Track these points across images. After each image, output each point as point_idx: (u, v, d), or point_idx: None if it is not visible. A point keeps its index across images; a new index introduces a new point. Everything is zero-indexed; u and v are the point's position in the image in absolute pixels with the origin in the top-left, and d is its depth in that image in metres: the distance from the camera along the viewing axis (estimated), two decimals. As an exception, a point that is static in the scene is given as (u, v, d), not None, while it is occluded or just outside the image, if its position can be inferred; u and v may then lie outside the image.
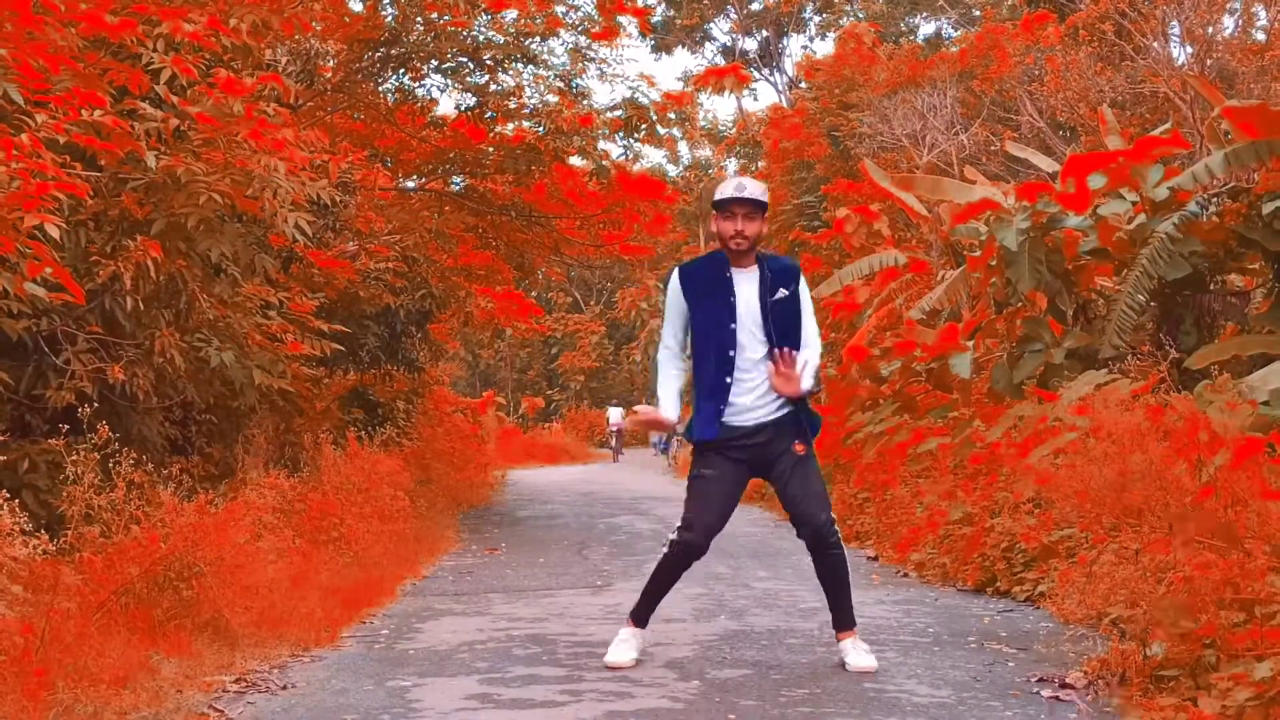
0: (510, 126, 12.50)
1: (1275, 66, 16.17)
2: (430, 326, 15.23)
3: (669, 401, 4.88)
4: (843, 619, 4.95)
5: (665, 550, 4.96)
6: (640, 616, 5.05)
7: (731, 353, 4.79)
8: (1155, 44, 17.26)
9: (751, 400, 4.80)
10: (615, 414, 28.39)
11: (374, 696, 4.47)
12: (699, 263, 4.97)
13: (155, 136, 5.63)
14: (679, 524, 4.90)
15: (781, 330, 4.80)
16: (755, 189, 4.79)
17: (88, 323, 5.96)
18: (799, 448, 4.82)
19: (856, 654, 4.83)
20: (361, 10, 10.97)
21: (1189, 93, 15.01)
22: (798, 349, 4.82)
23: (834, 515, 4.88)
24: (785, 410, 4.82)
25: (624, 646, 4.98)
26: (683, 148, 45.24)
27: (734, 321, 4.78)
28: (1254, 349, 7.89)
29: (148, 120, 5.56)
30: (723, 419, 4.79)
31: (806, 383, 4.78)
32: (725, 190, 4.81)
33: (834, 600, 4.95)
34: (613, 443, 27.16)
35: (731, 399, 4.79)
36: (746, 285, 4.82)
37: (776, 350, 4.75)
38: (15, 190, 4.34)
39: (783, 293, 4.81)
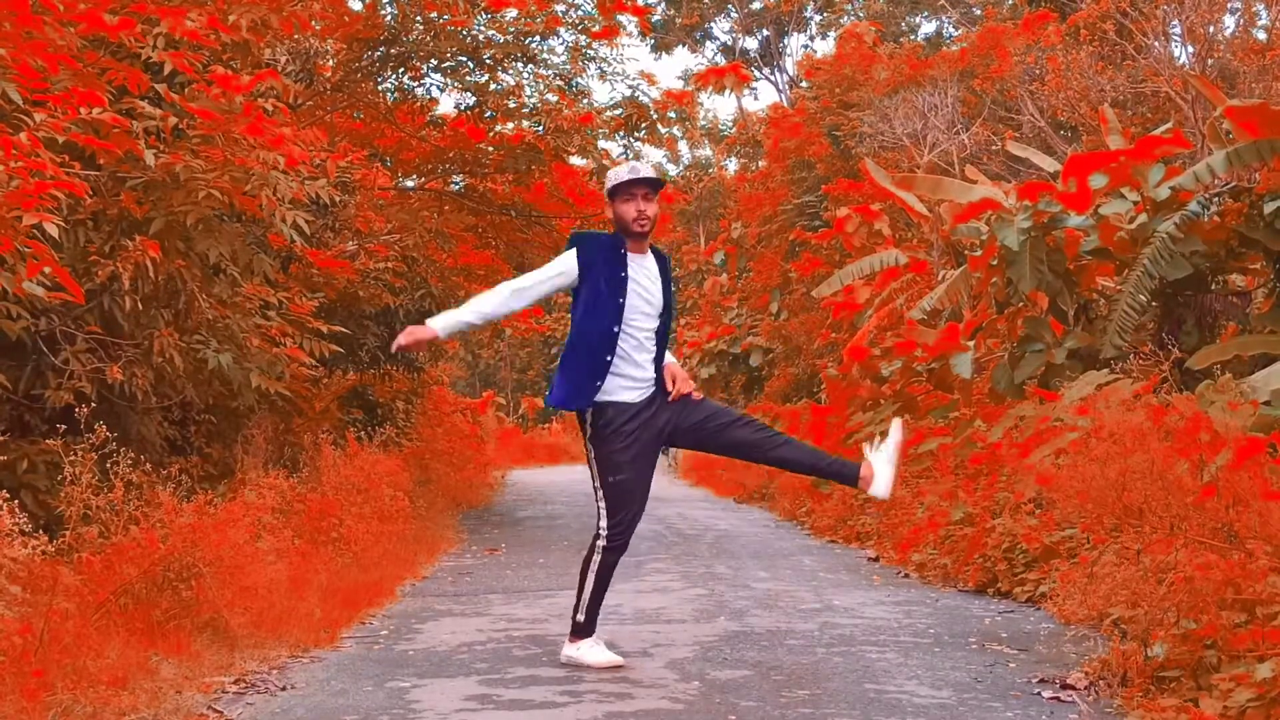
0: (510, 126, 12.48)
1: (1277, 66, 16.15)
2: (430, 326, 15.17)
3: (447, 319, 4.85)
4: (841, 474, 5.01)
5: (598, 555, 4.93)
6: (592, 625, 5.03)
7: (616, 329, 4.79)
8: (1156, 43, 17.25)
9: (633, 381, 4.83)
10: None
11: (373, 697, 4.46)
12: (599, 237, 4.98)
13: (154, 135, 5.62)
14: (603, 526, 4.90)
15: (664, 311, 4.93)
16: (649, 169, 4.85)
17: (86, 323, 5.95)
18: (696, 395, 4.92)
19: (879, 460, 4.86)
20: (361, 9, 10.95)
21: (1190, 92, 14.99)
22: (667, 329, 4.97)
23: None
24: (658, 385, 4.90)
25: (599, 649, 4.97)
26: (683, 147, 45.20)
27: (623, 299, 4.78)
28: (1255, 349, 7.88)
29: (146, 119, 5.55)
30: (597, 396, 4.79)
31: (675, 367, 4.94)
32: (621, 174, 4.83)
33: (813, 458, 5.05)
34: None
35: (610, 376, 4.79)
36: (643, 267, 4.87)
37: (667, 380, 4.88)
38: (14, 189, 4.33)
39: (665, 282, 4.95)
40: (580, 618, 4.97)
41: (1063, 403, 6.89)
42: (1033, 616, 6.08)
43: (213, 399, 7.33)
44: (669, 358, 4.97)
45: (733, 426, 4.94)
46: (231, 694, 4.53)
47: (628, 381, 4.82)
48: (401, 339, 4.81)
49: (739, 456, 5.10)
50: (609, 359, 4.77)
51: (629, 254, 4.85)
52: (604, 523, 4.89)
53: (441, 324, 4.83)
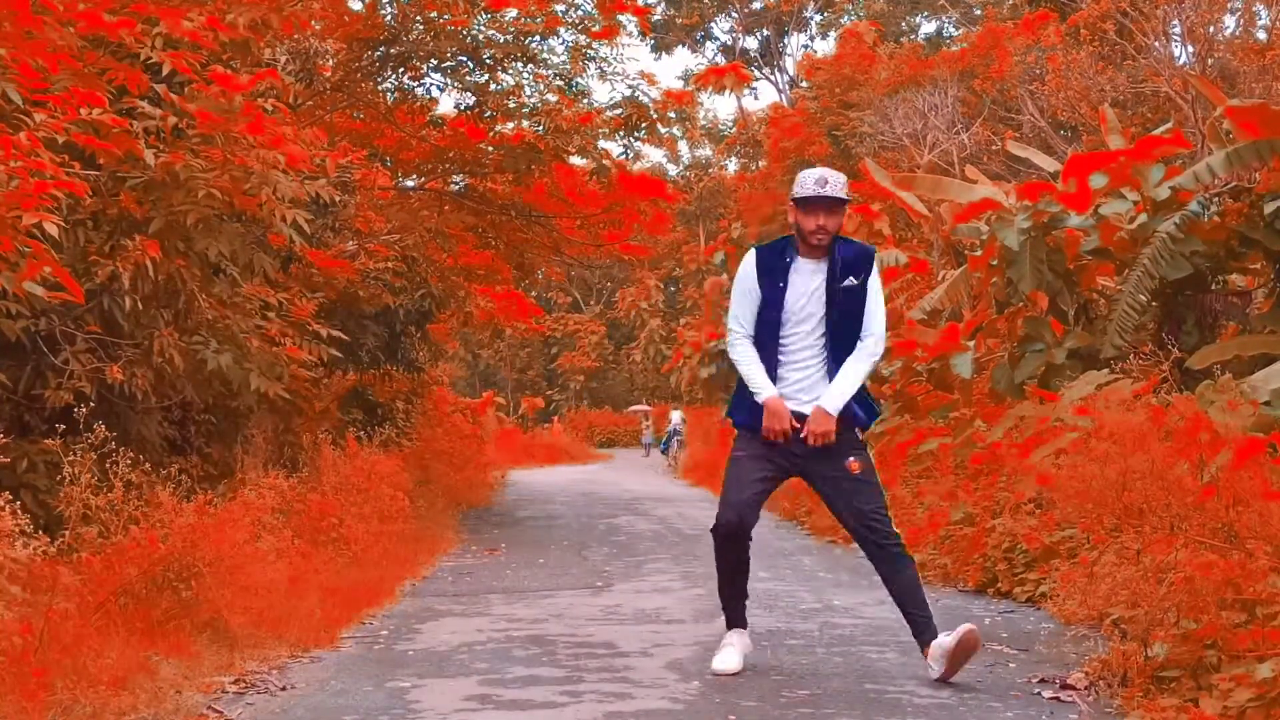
0: (510, 125, 12.47)
1: (1277, 66, 16.15)
2: (430, 326, 15.22)
3: (768, 384, 4.72)
4: (921, 637, 4.69)
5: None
6: (730, 616, 4.95)
7: (781, 338, 4.72)
8: (1157, 43, 17.25)
9: (792, 390, 4.71)
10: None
11: (373, 697, 4.46)
12: (773, 245, 4.89)
13: (154, 135, 5.62)
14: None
15: (841, 321, 4.70)
16: (838, 185, 4.70)
17: (86, 322, 5.94)
18: (854, 467, 4.69)
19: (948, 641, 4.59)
20: (361, 9, 10.95)
21: (1190, 92, 14.99)
22: (852, 344, 4.73)
23: (891, 523, 4.75)
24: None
25: (728, 652, 4.85)
26: (683, 147, 45.25)
27: (783, 309, 4.70)
28: (1255, 349, 7.88)
29: (146, 119, 5.54)
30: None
31: (833, 410, 4.64)
32: (807, 186, 4.70)
33: (904, 612, 4.75)
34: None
35: (778, 383, 4.71)
36: (809, 274, 4.72)
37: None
38: (14, 189, 4.32)
39: (851, 281, 4.71)
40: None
41: (1063, 403, 6.88)
42: (1033, 616, 6.07)
43: (213, 399, 7.32)
44: (830, 392, 4.69)
45: (845, 522, 4.75)
46: (231, 694, 4.53)
47: (791, 389, 4.72)
48: (775, 419, 4.66)
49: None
50: (776, 367, 4.73)
51: (798, 259, 4.73)
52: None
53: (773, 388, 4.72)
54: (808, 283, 4.72)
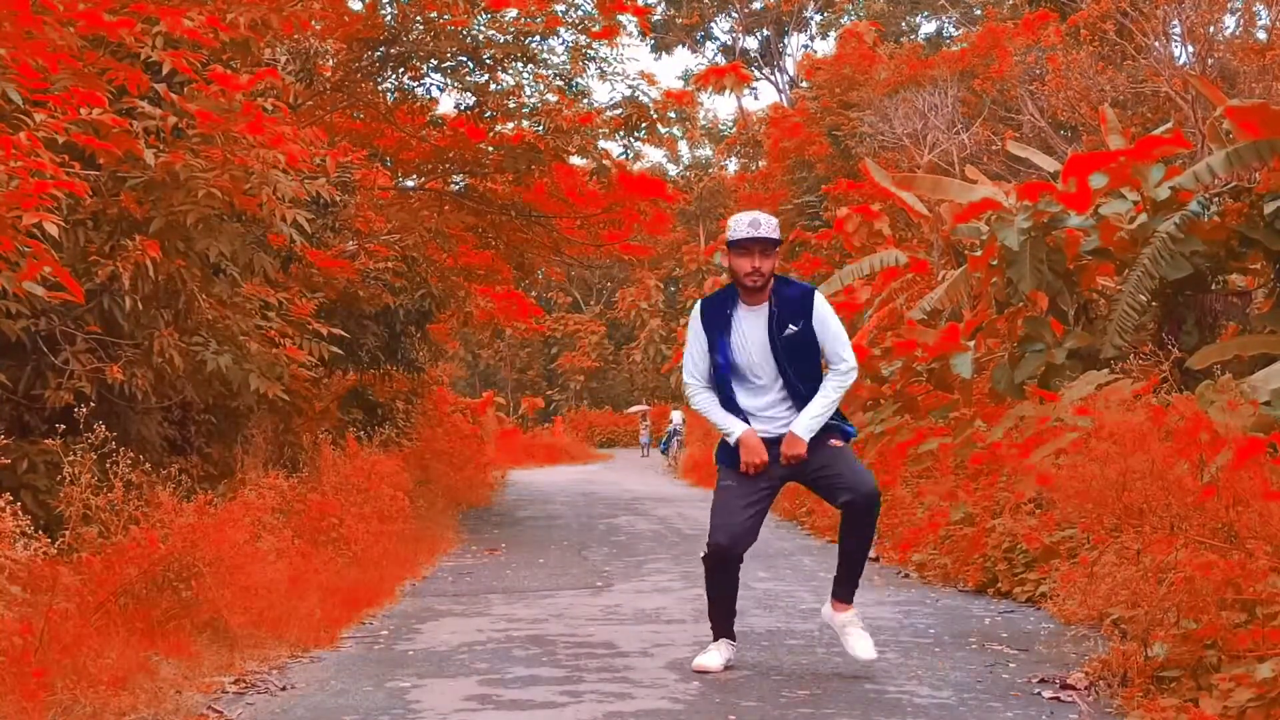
0: (510, 126, 12.48)
1: (1277, 66, 16.15)
2: (430, 326, 15.21)
3: (736, 423, 4.83)
4: (847, 592, 4.93)
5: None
6: (718, 629, 5.00)
7: (737, 385, 4.83)
8: (1157, 43, 17.24)
9: (763, 424, 4.80)
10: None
11: (373, 697, 4.46)
12: (716, 296, 4.97)
13: (154, 134, 5.62)
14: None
15: (791, 362, 4.78)
16: (769, 226, 4.76)
17: (86, 323, 5.94)
18: (835, 441, 4.80)
19: (860, 638, 4.79)
20: (361, 9, 10.95)
21: (1190, 92, 14.99)
22: (812, 379, 4.80)
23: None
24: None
25: (712, 653, 4.93)
26: (683, 147, 45.26)
27: (740, 357, 4.80)
28: (1255, 349, 7.87)
29: (146, 118, 5.54)
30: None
31: (805, 435, 4.73)
32: (739, 229, 4.76)
33: (849, 572, 4.92)
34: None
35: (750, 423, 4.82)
36: (752, 321, 4.80)
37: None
38: (14, 189, 4.32)
39: (791, 329, 4.77)
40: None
41: (1063, 403, 6.88)
42: (1033, 616, 6.07)
43: (213, 399, 7.32)
44: (801, 419, 4.78)
45: (847, 488, 4.76)
46: (231, 694, 4.53)
47: (761, 424, 4.82)
48: (752, 455, 4.76)
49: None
50: (740, 411, 4.84)
51: (741, 307, 4.81)
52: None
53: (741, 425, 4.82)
54: (753, 332, 4.80)
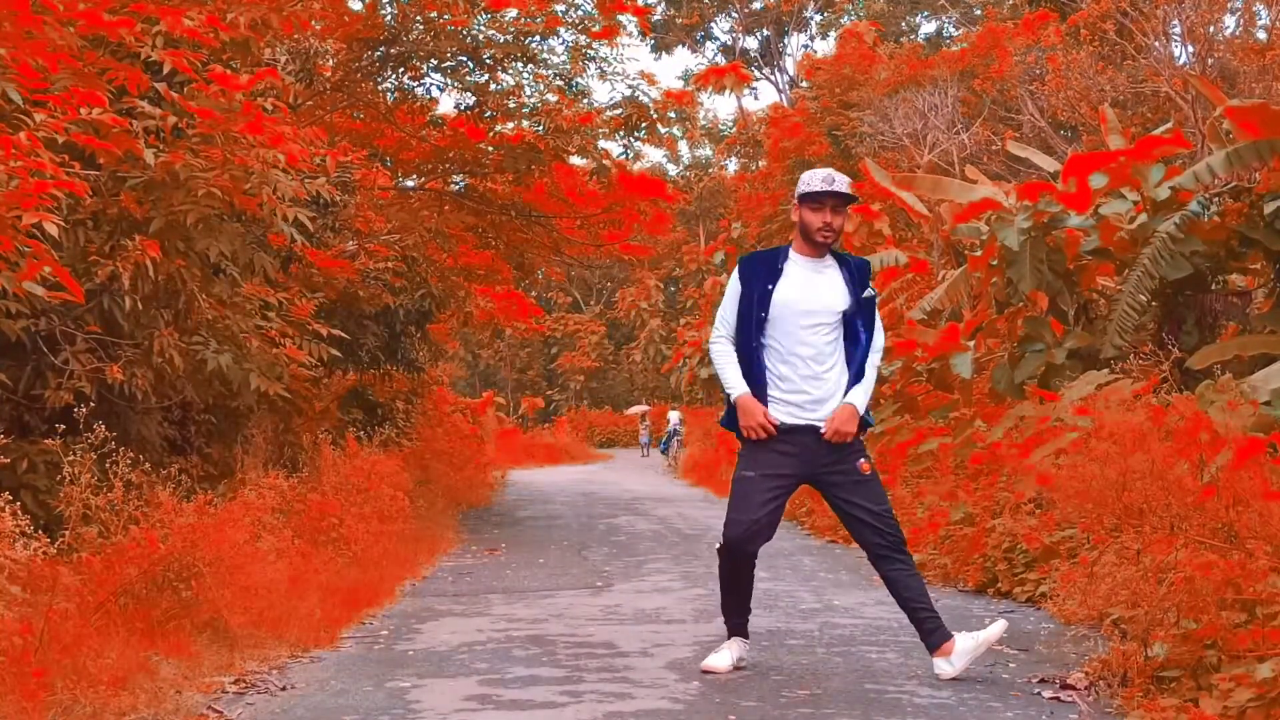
0: (510, 126, 12.48)
1: (1277, 66, 16.15)
2: (430, 326, 15.21)
3: (740, 383, 4.69)
4: (935, 634, 4.64)
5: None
6: (731, 625, 4.92)
7: (771, 348, 4.68)
8: (1157, 43, 17.24)
9: (786, 404, 4.65)
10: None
11: (373, 697, 4.46)
12: (763, 252, 4.91)
13: (154, 134, 5.62)
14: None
15: (857, 325, 4.70)
16: (844, 183, 4.69)
17: (86, 322, 5.94)
18: (865, 468, 4.68)
19: (965, 641, 4.60)
20: (361, 9, 10.95)
21: (1190, 92, 14.99)
22: (858, 350, 4.72)
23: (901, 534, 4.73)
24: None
25: (723, 653, 4.87)
26: (683, 147, 45.28)
27: (770, 308, 4.65)
28: (1255, 349, 7.88)
29: (146, 118, 5.54)
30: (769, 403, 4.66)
31: (864, 403, 4.67)
32: (814, 183, 4.67)
33: (922, 614, 4.67)
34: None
35: (774, 393, 4.66)
36: (816, 278, 4.70)
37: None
38: (14, 189, 4.32)
39: (870, 291, 4.76)
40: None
41: (1063, 403, 6.89)
42: (1033, 616, 6.07)
43: (213, 399, 7.32)
44: (855, 391, 4.69)
45: (858, 523, 4.69)
46: (231, 694, 4.53)
47: (795, 396, 4.66)
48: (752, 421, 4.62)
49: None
50: (775, 373, 4.67)
51: (800, 260, 4.70)
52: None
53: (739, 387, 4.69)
54: (808, 280, 4.69)
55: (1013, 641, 5.37)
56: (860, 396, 4.67)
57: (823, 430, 4.62)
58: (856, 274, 4.77)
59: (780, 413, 4.64)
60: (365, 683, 4.72)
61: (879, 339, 4.82)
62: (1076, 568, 5.79)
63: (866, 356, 4.74)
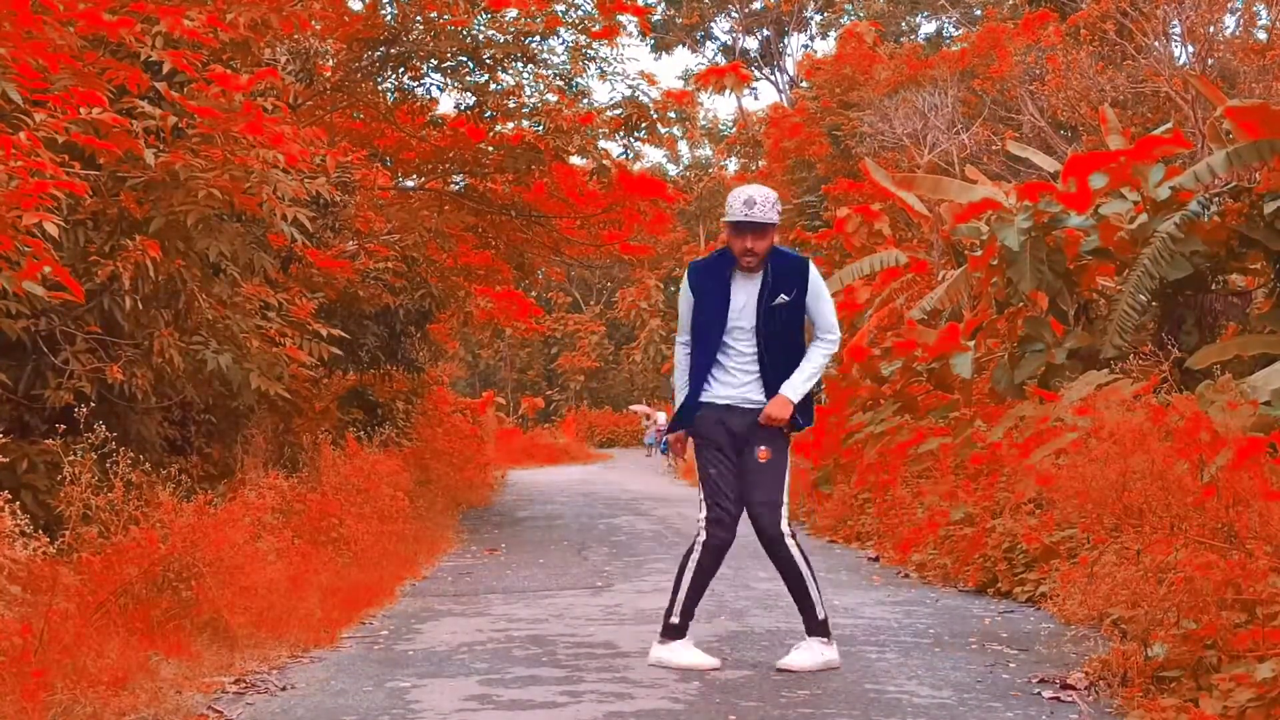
0: (510, 126, 12.48)
1: (1277, 66, 16.16)
2: (430, 326, 15.22)
3: (681, 399, 5.06)
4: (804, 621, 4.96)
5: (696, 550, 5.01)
6: (683, 628, 5.01)
7: (720, 345, 4.92)
8: (1157, 43, 17.25)
9: (729, 390, 4.91)
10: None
11: (373, 697, 4.46)
12: (712, 259, 5.09)
13: (154, 134, 5.62)
14: (701, 519, 4.97)
15: (776, 331, 4.88)
16: (764, 209, 4.81)
17: (86, 322, 5.94)
18: (763, 455, 4.87)
19: (795, 652, 4.89)
20: (361, 9, 10.95)
21: (1190, 92, 14.99)
22: (795, 348, 4.91)
23: (784, 518, 4.91)
24: (761, 405, 4.89)
25: (696, 653, 4.95)
26: (683, 147, 45.25)
27: (726, 320, 4.89)
28: (1255, 349, 7.88)
29: (146, 118, 5.54)
30: (699, 398, 4.93)
31: (794, 398, 4.86)
32: (735, 209, 4.83)
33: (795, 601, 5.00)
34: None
35: (711, 383, 4.93)
36: (747, 289, 4.90)
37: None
38: (14, 189, 4.32)
39: (783, 298, 4.87)
40: (674, 619, 5.00)
41: (1063, 403, 6.89)
42: (1033, 616, 6.07)
43: (213, 399, 7.33)
44: (791, 381, 4.91)
45: (747, 499, 4.92)
46: (231, 694, 4.53)
47: (727, 390, 4.95)
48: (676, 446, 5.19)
49: None
50: (714, 370, 4.96)
51: (737, 272, 4.91)
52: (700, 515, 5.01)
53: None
54: (744, 295, 4.91)
55: (1012, 641, 5.38)
56: (794, 386, 4.88)
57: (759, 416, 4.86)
58: (784, 278, 4.89)
59: (709, 397, 4.94)
60: (365, 683, 4.72)
61: (827, 328, 4.96)
62: (1076, 568, 5.79)
63: (807, 351, 4.95)
